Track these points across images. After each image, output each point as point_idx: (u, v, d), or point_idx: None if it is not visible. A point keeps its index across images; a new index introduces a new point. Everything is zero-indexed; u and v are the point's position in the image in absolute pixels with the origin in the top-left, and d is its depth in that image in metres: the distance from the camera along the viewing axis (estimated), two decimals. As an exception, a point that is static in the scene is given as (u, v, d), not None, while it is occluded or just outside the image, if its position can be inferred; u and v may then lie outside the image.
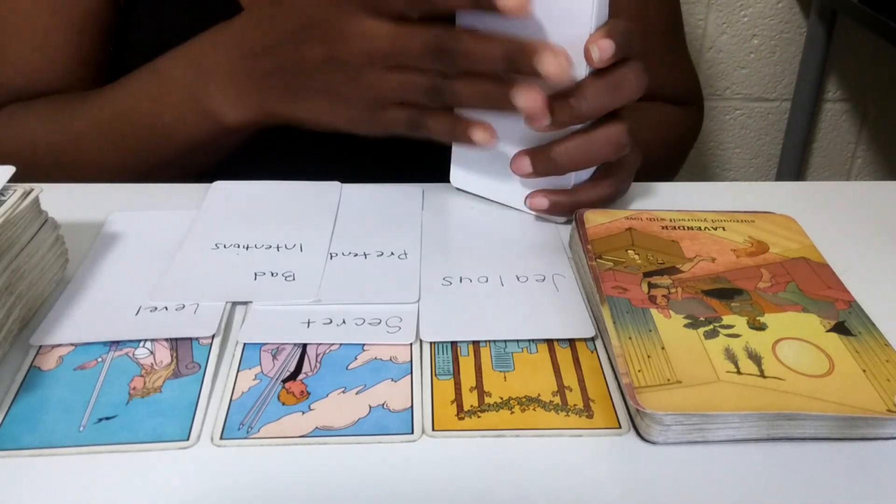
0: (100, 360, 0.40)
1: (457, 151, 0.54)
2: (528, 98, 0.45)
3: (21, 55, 0.63)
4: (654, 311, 0.41)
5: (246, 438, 0.35)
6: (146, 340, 0.41)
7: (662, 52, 0.73)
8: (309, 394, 0.38)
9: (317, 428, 0.36)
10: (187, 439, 0.35)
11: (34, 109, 0.62)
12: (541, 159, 0.48)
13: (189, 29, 0.60)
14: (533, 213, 0.52)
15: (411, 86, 0.48)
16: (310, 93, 0.52)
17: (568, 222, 0.52)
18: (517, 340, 0.41)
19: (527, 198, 0.51)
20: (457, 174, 0.55)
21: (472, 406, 0.37)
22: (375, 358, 0.40)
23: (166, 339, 0.41)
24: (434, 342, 0.41)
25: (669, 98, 0.74)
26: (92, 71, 0.64)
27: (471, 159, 0.54)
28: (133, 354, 0.40)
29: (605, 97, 0.47)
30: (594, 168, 0.52)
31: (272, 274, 0.46)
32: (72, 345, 0.41)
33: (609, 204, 0.52)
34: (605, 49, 0.45)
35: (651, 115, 0.72)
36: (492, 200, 0.54)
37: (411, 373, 0.39)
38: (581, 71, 0.46)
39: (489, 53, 0.45)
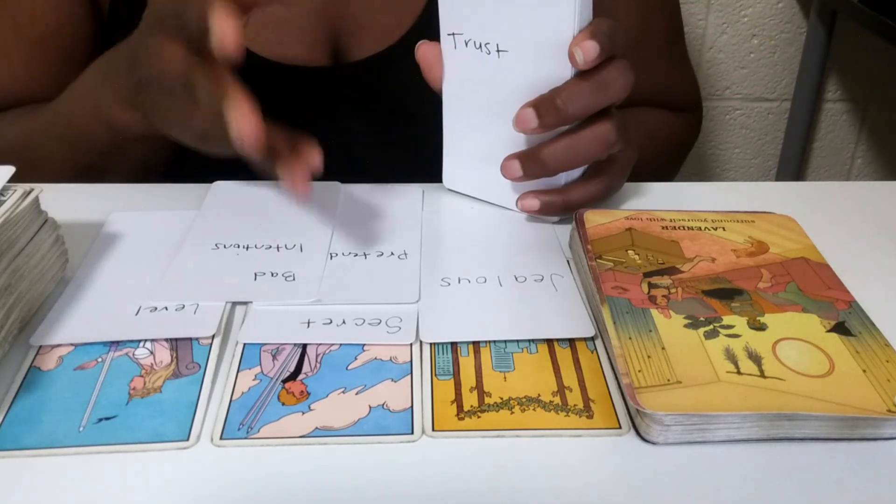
0: (100, 360, 0.40)
1: (449, 152, 0.54)
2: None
3: (2, 87, 0.63)
4: (654, 312, 0.41)
5: (246, 438, 0.35)
6: (146, 340, 0.41)
7: (662, 59, 0.73)
8: (309, 394, 0.38)
9: (317, 428, 0.36)
10: (187, 439, 0.35)
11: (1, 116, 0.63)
12: (530, 162, 0.48)
13: None
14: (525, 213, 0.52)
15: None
16: (159, 102, 0.51)
17: (561, 221, 0.52)
18: (517, 341, 0.41)
19: (518, 200, 0.51)
20: (449, 175, 0.55)
21: (472, 406, 0.37)
22: (375, 358, 0.40)
23: (166, 340, 0.41)
24: (434, 343, 0.41)
25: (668, 105, 0.74)
26: (62, 86, 0.65)
27: (463, 160, 0.54)
28: (133, 354, 0.40)
29: (591, 98, 0.46)
30: (585, 167, 0.51)
31: (272, 274, 0.46)
32: (72, 345, 0.41)
33: (601, 202, 0.52)
34: (588, 51, 0.45)
35: (647, 122, 0.72)
36: (484, 201, 0.54)
37: (411, 373, 0.39)
38: (566, 72, 0.46)
39: None
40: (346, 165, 0.58)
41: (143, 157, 0.59)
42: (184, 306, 0.43)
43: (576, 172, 0.51)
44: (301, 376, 0.39)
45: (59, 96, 0.60)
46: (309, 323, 0.42)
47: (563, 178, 0.51)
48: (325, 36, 0.64)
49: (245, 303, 0.44)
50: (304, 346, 0.41)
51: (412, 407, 0.37)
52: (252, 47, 0.61)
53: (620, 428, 0.36)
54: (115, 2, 0.65)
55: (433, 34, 0.50)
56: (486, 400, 0.38)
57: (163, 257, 0.48)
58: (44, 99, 0.64)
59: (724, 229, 0.49)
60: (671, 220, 0.49)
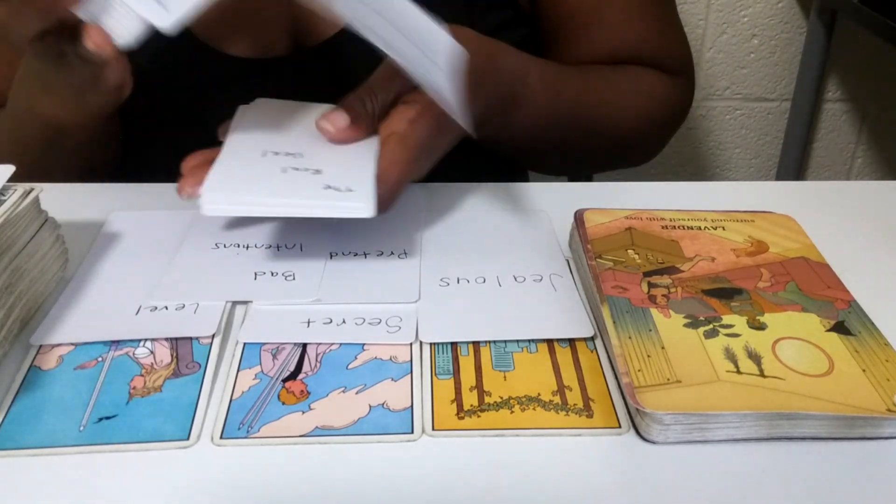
0: (100, 359, 0.40)
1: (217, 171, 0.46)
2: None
3: None
4: (653, 311, 0.41)
5: (246, 438, 0.35)
6: (146, 340, 0.41)
7: (648, 15, 0.70)
8: (309, 393, 0.38)
9: (317, 427, 0.36)
10: (187, 439, 0.35)
11: None
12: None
13: (140, 60, 0.60)
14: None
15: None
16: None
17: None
18: (517, 340, 0.41)
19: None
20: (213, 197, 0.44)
21: (472, 405, 0.37)
22: (375, 357, 0.40)
23: (166, 339, 0.41)
24: (434, 342, 0.41)
25: (657, 65, 0.71)
26: None
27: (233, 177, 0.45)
28: (133, 354, 0.40)
29: None
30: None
31: (272, 274, 0.46)
32: (72, 344, 0.41)
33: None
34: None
35: (635, 79, 0.69)
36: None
37: (411, 372, 0.39)
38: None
39: None
40: None
41: (83, 151, 0.60)
42: (184, 306, 0.43)
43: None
44: (301, 376, 0.39)
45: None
46: (309, 322, 0.42)
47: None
48: (283, 24, 0.64)
49: (245, 302, 0.44)
50: (305, 345, 0.41)
51: (412, 406, 0.37)
52: (214, 44, 0.61)
53: (620, 427, 0.36)
54: None
55: None
56: (486, 399, 0.38)
57: (163, 257, 0.48)
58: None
59: (723, 229, 0.49)
60: (671, 220, 0.49)
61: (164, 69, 0.61)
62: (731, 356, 0.38)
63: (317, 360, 0.40)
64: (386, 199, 0.46)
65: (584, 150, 0.63)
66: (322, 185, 0.44)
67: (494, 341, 0.41)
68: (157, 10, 0.43)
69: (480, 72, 0.54)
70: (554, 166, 0.78)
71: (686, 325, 0.40)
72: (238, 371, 0.39)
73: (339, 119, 0.48)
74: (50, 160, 0.59)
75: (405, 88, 0.49)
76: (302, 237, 0.50)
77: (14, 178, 0.41)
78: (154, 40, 0.63)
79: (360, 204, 0.43)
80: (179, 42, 0.61)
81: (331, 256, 0.48)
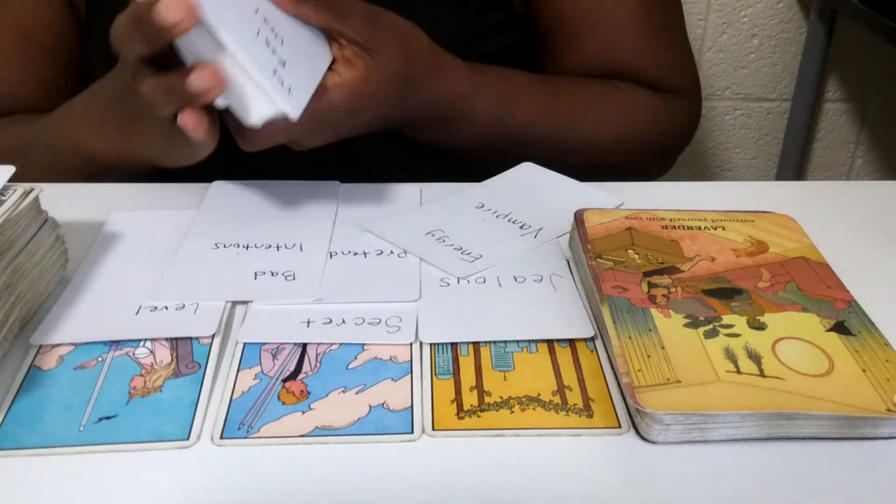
0: (100, 359, 0.40)
1: None
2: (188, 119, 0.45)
3: None
4: (653, 311, 0.41)
5: (246, 438, 0.35)
6: (146, 340, 0.41)
7: (646, 30, 0.67)
8: (309, 393, 0.38)
9: (317, 427, 0.36)
10: (187, 439, 0.35)
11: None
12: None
13: None
14: None
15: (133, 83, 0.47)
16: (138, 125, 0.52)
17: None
18: (517, 341, 0.41)
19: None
20: None
21: (472, 405, 0.37)
22: (375, 357, 0.40)
23: (166, 339, 0.41)
24: (434, 343, 0.41)
25: (652, 82, 0.68)
26: (52, 93, 0.65)
27: None
28: (133, 354, 0.40)
29: None
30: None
31: (272, 273, 0.46)
32: (72, 344, 0.41)
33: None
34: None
35: (618, 98, 0.66)
36: None
37: (411, 372, 0.39)
38: None
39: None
40: (346, 165, 0.58)
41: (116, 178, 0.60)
42: (184, 306, 0.43)
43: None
44: (301, 376, 0.39)
45: (42, 120, 0.61)
46: (309, 322, 0.42)
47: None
48: None
49: (245, 302, 0.44)
50: (304, 345, 0.41)
51: (412, 406, 0.37)
52: None
53: (620, 427, 0.36)
54: (90, 4, 0.65)
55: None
56: (486, 399, 0.38)
57: (163, 257, 0.48)
58: (24, 99, 0.64)
59: (723, 229, 0.49)
60: (671, 220, 0.49)
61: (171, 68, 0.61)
62: (731, 356, 0.38)
63: (317, 360, 0.40)
64: (263, 140, 0.48)
65: (559, 166, 0.62)
66: (272, 69, 0.44)
67: (494, 341, 0.41)
68: (285, 97, 0.44)
69: (418, 78, 0.55)
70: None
71: (686, 325, 0.40)
72: (238, 371, 0.39)
73: None
74: (81, 180, 0.60)
75: (358, 25, 0.50)
76: (302, 237, 0.50)
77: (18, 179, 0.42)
78: None
79: (287, 107, 0.44)
80: None
81: (331, 256, 0.48)
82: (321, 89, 0.48)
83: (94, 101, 0.56)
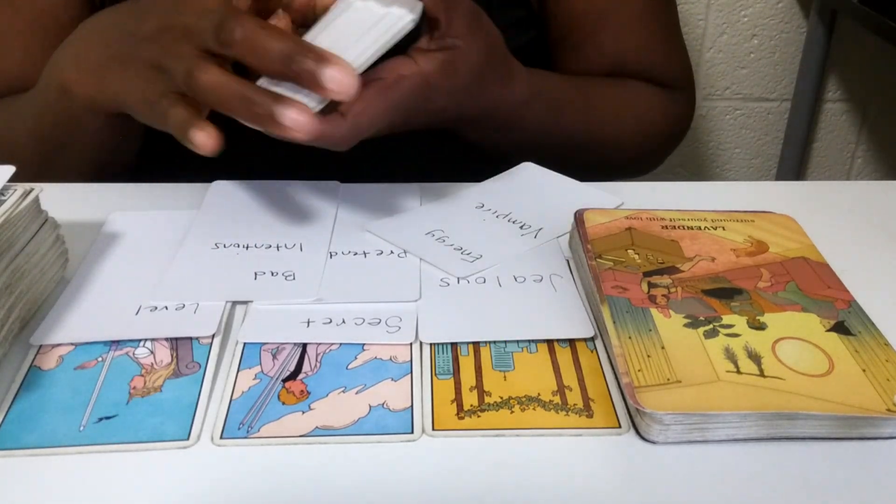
0: (100, 359, 0.40)
1: None
2: (295, 119, 0.43)
3: None
4: (653, 311, 0.41)
5: (246, 438, 0.35)
6: (146, 340, 0.41)
7: (653, 26, 0.71)
8: (309, 393, 0.38)
9: (317, 427, 0.36)
10: (187, 439, 0.35)
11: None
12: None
13: None
14: None
15: (173, 56, 0.46)
16: (125, 59, 0.50)
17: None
18: (517, 341, 0.41)
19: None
20: None
21: (472, 405, 0.37)
22: (375, 357, 0.40)
23: (166, 339, 0.41)
24: (434, 343, 0.41)
25: (658, 78, 0.71)
26: None
27: None
28: (133, 354, 0.40)
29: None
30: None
31: (272, 273, 0.46)
32: (72, 344, 0.41)
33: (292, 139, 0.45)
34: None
35: (635, 95, 0.70)
36: None
37: (411, 372, 0.39)
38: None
39: (267, 48, 0.43)
40: (345, 165, 0.58)
41: (106, 140, 0.58)
42: (184, 306, 0.43)
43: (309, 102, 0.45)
44: (301, 376, 0.39)
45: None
46: (309, 322, 0.42)
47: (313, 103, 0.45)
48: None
49: (245, 302, 0.44)
50: (305, 345, 0.41)
51: (412, 406, 0.37)
52: None
53: (620, 427, 0.36)
54: None
55: None
56: (486, 399, 0.38)
57: (163, 257, 0.48)
58: (34, 81, 0.64)
59: (723, 229, 0.49)
60: (671, 220, 0.49)
61: None
62: (731, 356, 0.38)
63: (317, 360, 0.40)
64: (349, 137, 0.46)
65: (578, 165, 0.63)
66: None
67: (494, 341, 0.41)
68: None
69: (489, 81, 0.55)
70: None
71: (686, 325, 0.40)
72: (238, 371, 0.39)
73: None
74: (63, 154, 0.58)
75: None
76: (302, 237, 0.50)
77: (17, 174, 0.42)
78: None
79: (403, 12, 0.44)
80: None
81: (331, 256, 0.48)
82: (397, 77, 0.47)
83: (86, 37, 0.54)
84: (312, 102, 0.44)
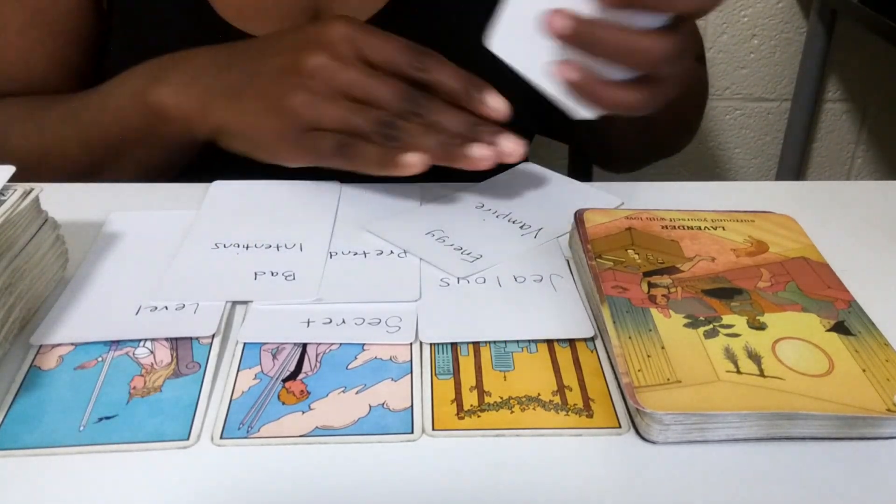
0: (100, 359, 0.40)
1: (507, 14, 0.48)
2: (478, 152, 0.48)
3: None
4: (653, 311, 0.41)
5: (246, 438, 0.35)
6: (146, 340, 0.41)
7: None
8: (309, 393, 0.38)
9: (317, 427, 0.36)
10: (187, 439, 0.35)
11: (4, 109, 0.62)
12: (580, 28, 0.45)
13: (164, 37, 0.59)
14: (550, 94, 0.48)
15: (358, 116, 0.49)
16: (248, 96, 0.52)
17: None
18: (517, 341, 0.41)
19: (558, 63, 0.46)
20: (497, 37, 0.49)
21: (472, 405, 0.37)
22: (375, 357, 0.40)
23: (166, 339, 0.41)
24: (433, 343, 0.41)
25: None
26: (68, 73, 0.65)
27: (519, 27, 0.48)
28: (133, 354, 0.40)
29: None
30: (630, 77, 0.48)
31: (272, 273, 0.46)
32: (72, 344, 0.41)
33: (631, 113, 0.47)
34: None
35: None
36: (522, 74, 0.49)
37: (411, 372, 0.39)
38: None
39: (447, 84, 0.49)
40: None
41: (174, 156, 0.59)
42: (184, 306, 0.43)
43: (621, 74, 0.47)
44: (301, 376, 0.39)
45: (73, 96, 0.60)
46: (309, 322, 0.42)
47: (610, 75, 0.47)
48: (306, 5, 0.64)
49: (245, 302, 0.44)
50: (304, 345, 0.41)
51: (412, 406, 0.37)
52: (237, 24, 0.61)
53: (620, 427, 0.36)
54: None
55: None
56: (486, 399, 0.38)
57: (163, 257, 0.48)
58: (46, 88, 0.64)
59: (723, 229, 0.49)
60: (671, 220, 0.49)
61: (186, 48, 0.61)
62: (731, 356, 0.38)
63: (317, 360, 0.40)
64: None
65: (664, 139, 0.71)
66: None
67: (494, 341, 0.41)
68: None
69: None
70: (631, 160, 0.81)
71: (686, 325, 0.40)
72: (238, 371, 0.39)
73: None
74: (119, 161, 0.59)
75: None
76: (302, 237, 0.50)
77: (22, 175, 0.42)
78: (180, 21, 0.63)
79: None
80: (203, 21, 0.61)
81: (331, 256, 0.48)
82: None
83: (187, 65, 0.56)
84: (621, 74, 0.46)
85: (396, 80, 0.49)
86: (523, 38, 0.48)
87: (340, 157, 0.50)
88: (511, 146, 0.48)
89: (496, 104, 0.49)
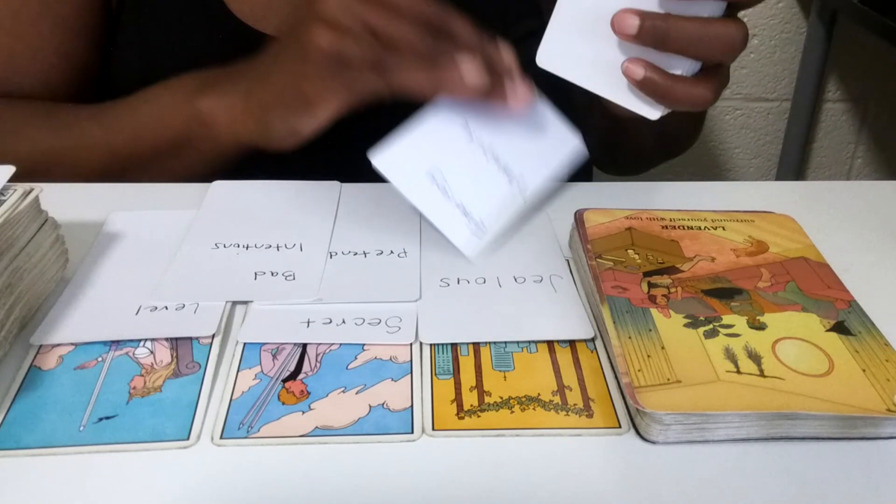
0: (100, 359, 0.40)
1: (554, 29, 0.49)
2: (469, 70, 0.46)
3: (3, 45, 0.63)
4: (653, 311, 0.41)
5: (246, 438, 0.35)
6: (146, 340, 0.41)
7: None
8: (309, 393, 0.38)
9: (317, 427, 0.36)
10: (187, 439, 0.35)
11: (19, 109, 0.62)
12: (651, 23, 0.45)
13: (174, 33, 0.59)
14: (621, 101, 0.48)
15: (353, 39, 0.47)
16: (274, 70, 0.51)
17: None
18: (517, 341, 0.41)
19: (625, 62, 0.46)
20: (547, 54, 0.49)
21: (472, 405, 0.37)
22: (375, 358, 0.40)
23: (166, 339, 0.41)
24: (433, 343, 0.41)
25: None
26: (75, 67, 0.64)
27: (568, 40, 0.48)
28: (133, 354, 0.40)
29: (697, 32, 0.45)
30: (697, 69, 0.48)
31: (272, 273, 0.46)
32: (72, 344, 0.41)
33: (696, 108, 0.47)
34: None
35: None
36: (579, 86, 0.49)
37: (411, 372, 0.39)
38: None
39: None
40: (346, 165, 0.58)
41: (209, 162, 0.59)
42: (184, 306, 0.43)
43: (687, 68, 0.47)
44: (301, 376, 0.39)
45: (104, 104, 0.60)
46: (309, 322, 0.42)
47: (677, 70, 0.47)
48: None
49: (245, 302, 0.44)
50: (304, 345, 0.41)
51: (412, 406, 0.37)
52: (250, 22, 0.61)
53: (620, 427, 0.36)
54: None
55: None
56: (486, 399, 0.38)
57: (163, 257, 0.48)
58: (54, 85, 0.64)
59: (723, 229, 0.49)
60: (671, 220, 0.49)
61: (200, 46, 0.61)
62: (731, 356, 0.38)
63: (317, 360, 0.40)
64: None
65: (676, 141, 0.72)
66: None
67: (494, 342, 0.41)
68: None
69: None
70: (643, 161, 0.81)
71: (686, 325, 0.40)
72: (238, 371, 0.39)
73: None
74: (151, 166, 0.59)
75: None
76: (302, 237, 0.50)
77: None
78: (191, 17, 0.63)
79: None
80: (214, 18, 0.61)
81: (331, 256, 0.48)
82: None
83: (218, 74, 0.56)
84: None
85: (412, 21, 0.47)
86: (575, 50, 0.48)
87: (378, 72, 0.47)
88: (522, 90, 0.48)
89: (508, 56, 0.48)
